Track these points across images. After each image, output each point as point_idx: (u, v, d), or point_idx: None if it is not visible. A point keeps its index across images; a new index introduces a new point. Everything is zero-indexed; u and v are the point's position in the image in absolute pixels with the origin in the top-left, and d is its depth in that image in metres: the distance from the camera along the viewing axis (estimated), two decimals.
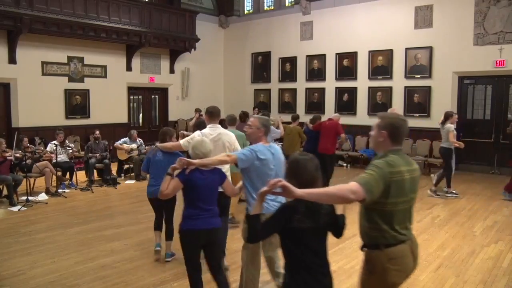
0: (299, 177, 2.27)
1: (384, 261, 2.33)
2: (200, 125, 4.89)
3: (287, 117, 10.77)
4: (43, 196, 7.63)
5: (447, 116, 7.81)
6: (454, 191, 7.94)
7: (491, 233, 5.81)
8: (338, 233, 2.44)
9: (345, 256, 4.87)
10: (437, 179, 8.03)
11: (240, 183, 3.48)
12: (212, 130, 4.32)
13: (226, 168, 4.09)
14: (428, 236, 5.66)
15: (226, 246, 4.48)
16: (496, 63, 9.69)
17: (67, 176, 8.65)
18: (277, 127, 7.66)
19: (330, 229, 2.39)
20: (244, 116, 8.02)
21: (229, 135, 4.37)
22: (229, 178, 3.80)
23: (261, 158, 3.26)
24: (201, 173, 3.25)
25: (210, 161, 3.23)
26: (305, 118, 10.37)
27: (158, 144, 4.65)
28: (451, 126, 7.68)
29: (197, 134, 4.29)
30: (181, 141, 4.36)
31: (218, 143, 4.18)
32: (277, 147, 3.51)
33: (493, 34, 9.73)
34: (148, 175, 4.97)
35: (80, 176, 9.06)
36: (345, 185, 2.14)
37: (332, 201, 2.22)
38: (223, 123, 5.16)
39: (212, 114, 4.45)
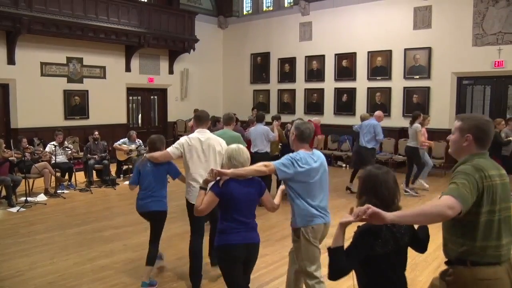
0: (380, 194, 2.06)
1: (468, 280, 2.04)
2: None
3: (287, 118, 10.82)
4: (42, 197, 7.62)
5: (415, 117, 8.12)
6: (409, 190, 8.05)
7: None
8: (422, 248, 2.25)
9: None
10: (412, 178, 8.21)
11: (278, 197, 3.19)
12: (201, 136, 4.05)
13: None
14: None
15: None
16: (495, 64, 9.71)
17: (66, 177, 8.64)
18: (273, 130, 7.57)
19: (411, 245, 2.21)
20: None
21: (218, 140, 4.06)
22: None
23: (302, 167, 3.02)
24: (238, 183, 2.89)
25: (245, 171, 2.90)
26: (305, 119, 10.35)
27: (146, 154, 4.21)
28: (418, 126, 7.92)
29: (184, 140, 4.02)
30: (169, 149, 4.04)
31: (207, 148, 3.97)
32: (320, 153, 3.27)
33: (491, 34, 9.75)
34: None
35: (79, 177, 9.04)
36: (439, 201, 1.92)
37: (428, 221, 2.00)
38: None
39: (201, 119, 4.16)
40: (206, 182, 2.93)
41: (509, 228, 2.10)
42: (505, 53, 9.57)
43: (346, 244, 2.05)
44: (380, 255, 2.03)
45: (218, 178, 2.89)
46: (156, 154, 4.08)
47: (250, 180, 2.96)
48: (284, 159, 3.05)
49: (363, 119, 8.53)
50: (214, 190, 2.88)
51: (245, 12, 15.12)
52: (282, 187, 3.23)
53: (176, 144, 4.05)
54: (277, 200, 3.15)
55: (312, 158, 3.12)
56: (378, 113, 8.31)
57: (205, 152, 3.97)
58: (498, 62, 9.67)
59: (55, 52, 10.70)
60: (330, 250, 2.00)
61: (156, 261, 4.22)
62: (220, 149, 3.96)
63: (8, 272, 4.39)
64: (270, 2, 14.45)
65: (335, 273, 2.00)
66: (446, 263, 2.21)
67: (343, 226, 1.97)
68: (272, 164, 3.00)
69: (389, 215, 1.82)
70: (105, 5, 11.00)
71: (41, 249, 5.11)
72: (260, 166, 2.96)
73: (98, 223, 6.24)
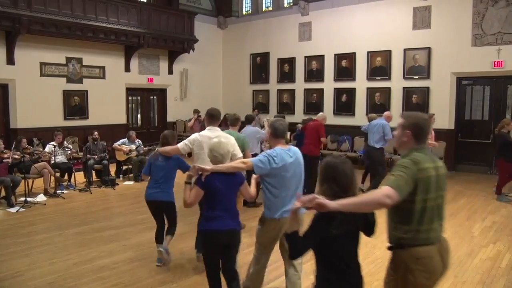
0: (339, 181, 2.27)
1: (408, 260, 2.30)
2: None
3: (287, 118, 10.78)
4: (41, 197, 7.62)
5: None
6: None
7: (490, 233, 5.82)
8: (371, 232, 2.41)
9: None
10: None
11: (253, 187, 3.42)
12: (211, 133, 4.18)
13: None
14: None
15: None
16: (494, 64, 9.71)
17: (66, 177, 8.63)
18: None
19: (363, 229, 2.38)
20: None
21: (229, 139, 4.15)
22: None
23: (278, 163, 3.19)
24: (221, 176, 3.15)
25: (224, 167, 3.15)
26: (305, 118, 10.33)
27: (158, 148, 4.53)
28: None
29: (194, 137, 4.23)
30: (179, 144, 4.28)
31: None
32: (296, 149, 3.43)
33: (491, 35, 9.76)
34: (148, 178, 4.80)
35: (79, 177, 9.02)
36: (378, 190, 2.15)
37: (368, 209, 2.22)
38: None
39: (213, 117, 4.33)
40: (189, 177, 3.23)
41: (439, 214, 2.40)
42: (505, 53, 9.57)
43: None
44: (335, 237, 2.20)
45: (200, 173, 3.14)
46: (168, 148, 4.39)
47: (231, 172, 3.22)
48: (262, 155, 3.26)
49: (370, 119, 8.50)
50: (199, 184, 3.14)
51: (244, 12, 15.11)
52: (255, 176, 3.37)
53: (186, 141, 4.27)
54: (252, 189, 3.41)
55: (288, 154, 3.31)
56: (387, 113, 8.32)
57: None
58: (497, 62, 9.66)
59: (54, 52, 10.69)
60: (287, 235, 2.24)
61: (164, 257, 4.50)
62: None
63: (8, 273, 4.39)
64: (270, 2, 14.44)
65: (293, 254, 2.27)
66: (388, 248, 2.43)
67: (294, 212, 2.21)
68: (250, 161, 3.26)
69: (333, 204, 2.05)
70: (104, 5, 10.99)
71: (40, 249, 5.11)
72: (238, 163, 3.26)
73: (97, 223, 6.24)
